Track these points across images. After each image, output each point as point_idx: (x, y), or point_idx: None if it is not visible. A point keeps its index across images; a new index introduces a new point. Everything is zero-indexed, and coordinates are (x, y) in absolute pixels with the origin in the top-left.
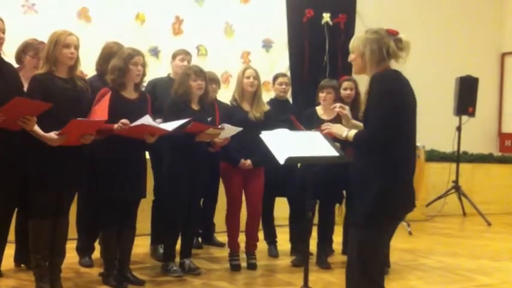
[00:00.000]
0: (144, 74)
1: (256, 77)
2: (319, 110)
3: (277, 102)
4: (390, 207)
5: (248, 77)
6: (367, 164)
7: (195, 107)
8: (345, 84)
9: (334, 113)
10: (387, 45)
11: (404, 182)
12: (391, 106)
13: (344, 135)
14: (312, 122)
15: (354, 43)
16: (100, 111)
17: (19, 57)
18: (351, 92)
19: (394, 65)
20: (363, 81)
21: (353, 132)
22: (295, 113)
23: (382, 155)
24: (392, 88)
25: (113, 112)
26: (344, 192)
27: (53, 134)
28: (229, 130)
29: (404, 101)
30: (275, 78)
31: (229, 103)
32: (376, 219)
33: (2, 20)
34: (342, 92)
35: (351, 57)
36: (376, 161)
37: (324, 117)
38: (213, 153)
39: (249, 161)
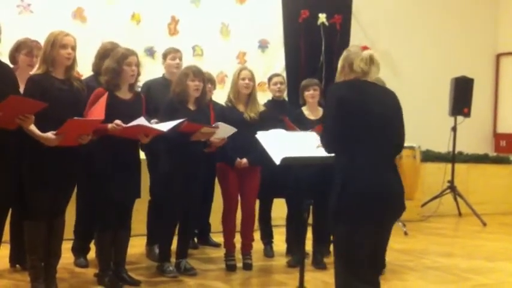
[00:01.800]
0: (138, 74)
1: (252, 78)
2: (305, 110)
3: (275, 103)
4: (349, 206)
5: (243, 79)
6: (334, 164)
7: (191, 107)
8: None
9: (320, 112)
10: (351, 61)
11: (364, 183)
12: (335, 112)
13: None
14: (300, 123)
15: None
16: (97, 111)
17: (13, 57)
18: None
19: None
20: None
21: None
22: (286, 114)
23: (342, 156)
24: (338, 96)
25: (107, 112)
26: None
27: (50, 134)
28: (224, 129)
29: (352, 106)
30: (270, 79)
31: (224, 104)
32: (340, 217)
33: None
34: None
35: None
36: (338, 161)
37: (311, 117)
38: (209, 154)
39: (244, 160)
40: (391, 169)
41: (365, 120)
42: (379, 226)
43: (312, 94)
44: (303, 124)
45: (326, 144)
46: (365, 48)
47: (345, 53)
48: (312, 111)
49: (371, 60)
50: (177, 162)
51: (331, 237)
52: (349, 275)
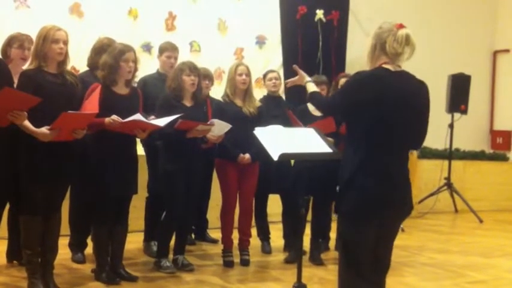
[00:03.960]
0: (135, 70)
1: (248, 73)
2: (310, 106)
3: (270, 99)
4: (359, 206)
5: (241, 74)
6: (342, 159)
7: (187, 103)
8: (342, 81)
9: None
10: (383, 40)
11: (376, 183)
12: (349, 96)
13: (305, 81)
14: (304, 119)
15: None
16: (90, 105)
17: (5, 52)
18: None
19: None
20: None
21: (313, 86)
22: (290, 108)
23: (353, 153)
24: (360, 84)
25: (104, 107)
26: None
27: (44, 129)
28: (220, 126)
29: (372, 106)
30: (265, 75)
31: (221, 99)
32: (349, 216)
33: None
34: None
35: None
36: (347, 158)
37: (316, 113)
38: (207, 150)
39: (247, 155)
40: (403, 169)
41: (384, 121)
42: (387, 226)
43: None
44: (307, 120)
45: (323, 107)
46: (401, 26)
47: (377, 30)
48: None
49: (407, 41)
50: (176, 159)
51: (330, 234)
52: (353, 274)
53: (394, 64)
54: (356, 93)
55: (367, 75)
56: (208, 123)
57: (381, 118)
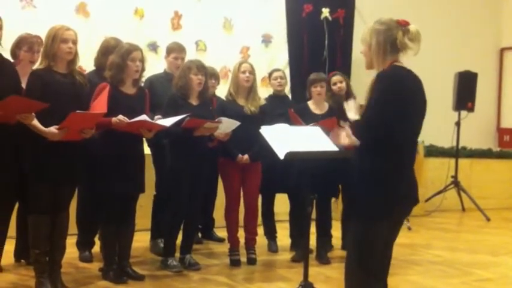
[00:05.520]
0: (142, 69)
1: (252, 71)
2: (311, 104)
3: (276, 98)
4: (374, 204)
5: (244, 72)
6: (361, 159)
7: (194, 102)
8: (334, 79)
9: (325, 107)
10: (394, 37)
11: (399, 185)
12: (391, 105)
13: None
14: (304, 117)
15: (364, 34)
16: (99, 105)
17: (14, 53)
18: (341, 85)
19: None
20: (359, 76)
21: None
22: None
23: (371, 153)
24: (395, 87)
25: (111, 107)
26: (340, 186)
27: (53, 129)
28: (227, 124)
29: (406, 99)
30: (270, 74)
31: (224, 98)
32: (361, 213)
33: None
34: (333, 87)
35: (361, 49)
36: (363, 158)
37: (317, 111)
38: (212, 149)
39: (246, 156)
40: (413, 166)
41: (408, 122)
42: (398, 223)
43: (319, 91)
44: (308, 118)
45: (371, 131)
46: (406, 22)
47: (378, 27)
48: (317, 106)
49: (418, 37)
50: (182, 158)
51: (331, 231)
52: (365, 274)
53: (399, 61)
54: (395, 101)
55: (395, 78)
56: (216, 120)
57: (406, 119)
